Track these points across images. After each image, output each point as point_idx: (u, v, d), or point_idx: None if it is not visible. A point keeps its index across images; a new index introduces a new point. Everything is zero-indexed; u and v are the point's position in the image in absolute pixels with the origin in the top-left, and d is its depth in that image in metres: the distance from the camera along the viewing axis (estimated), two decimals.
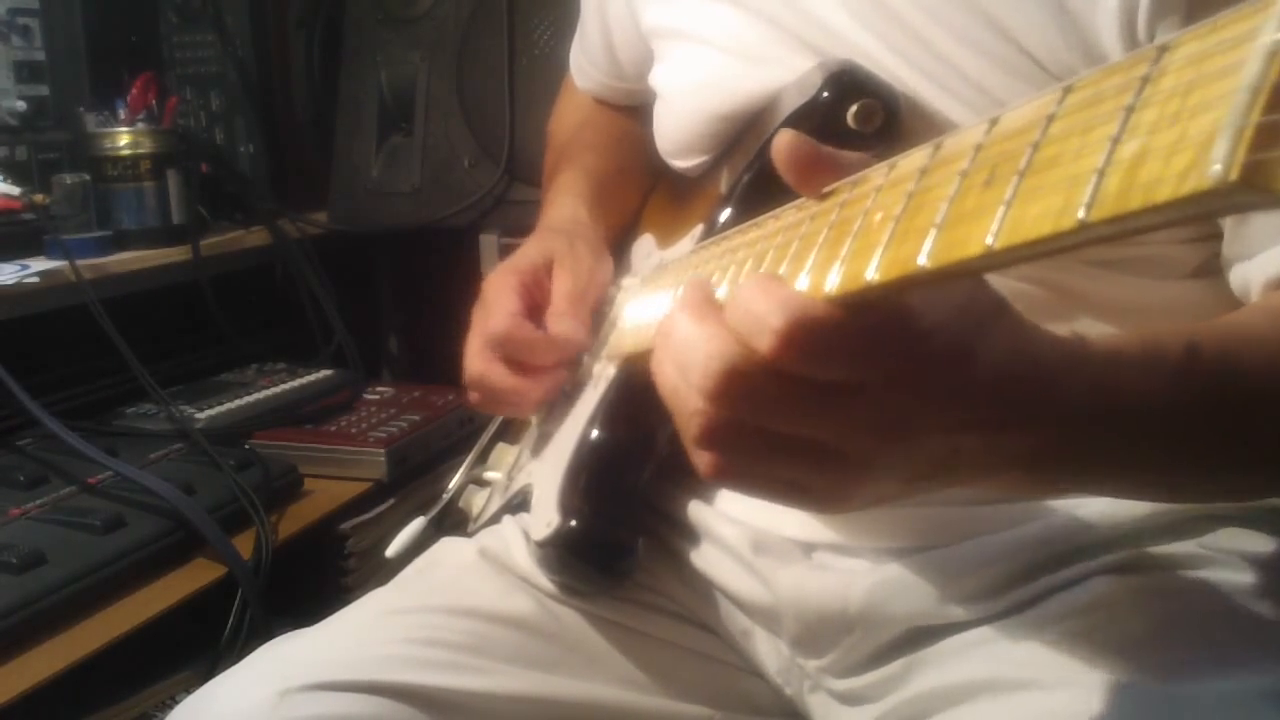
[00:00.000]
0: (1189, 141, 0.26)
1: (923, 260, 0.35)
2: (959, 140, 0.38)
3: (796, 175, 0.46)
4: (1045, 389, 0.45)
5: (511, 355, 0.77)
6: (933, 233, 0.35)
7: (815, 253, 0.43)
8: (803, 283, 0.42)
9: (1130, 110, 0.29)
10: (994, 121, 0.36)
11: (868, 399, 0.41)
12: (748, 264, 0.49)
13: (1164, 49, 0.29)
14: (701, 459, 0.45)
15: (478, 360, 0.78)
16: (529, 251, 0.82)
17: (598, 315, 0.84)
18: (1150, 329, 0.50)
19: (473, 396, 0.80)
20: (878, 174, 0.42)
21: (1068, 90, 0.33)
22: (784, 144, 0.45)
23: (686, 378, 0.43)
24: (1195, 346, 0.48)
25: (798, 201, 0.48)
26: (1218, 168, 0.25)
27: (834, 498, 0.46)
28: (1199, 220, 0.28)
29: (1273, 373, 0.50)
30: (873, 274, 0.37)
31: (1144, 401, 0.48)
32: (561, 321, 0.77)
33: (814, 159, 0.45)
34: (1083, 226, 0.29)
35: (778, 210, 0.50)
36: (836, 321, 0.39)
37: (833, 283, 0.40)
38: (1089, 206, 0.28)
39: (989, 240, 0.32)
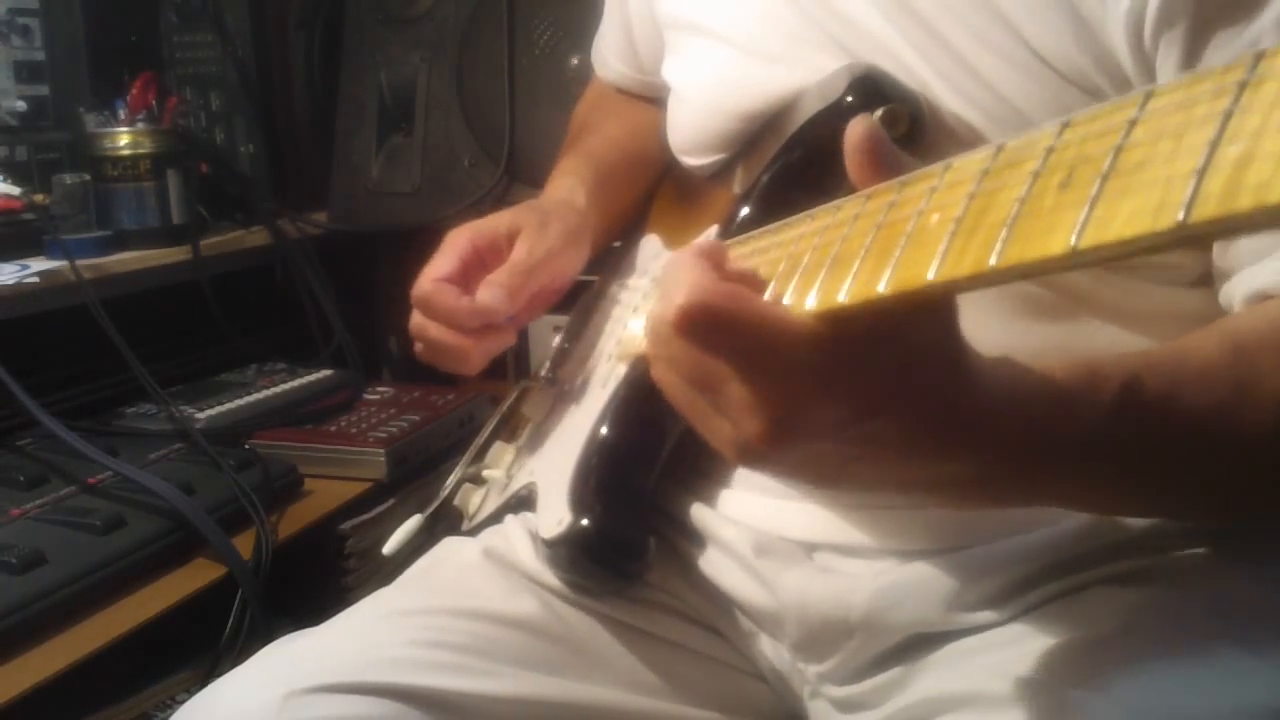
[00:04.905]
0: None
1: (994, 259, 0.34)
2: (1025, 143, 0.36)
3: (863, 164, 0.45)
4: (968, 424, 0.46)
5: (433, 318, 0.79)
6: (1004, 231, 0.34)
7: (862, 254, 0.41)
8: (847, 287, 0.41)
9: (1229, 115, 0.28)
10: (1065, 124, 0.35)
11: (751, 389, 0.44)
12: (781, 265, 0.48)
13: (1261, 55, 0.29)
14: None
15: (414, 313, 0.81)
16: (499, 218, 0.83)
17: (601, 314, 0.84)
18: (1093, 361, 0.51)
19: (416, 346, 0.82)
20: (931, 176, 0.41)
21: (1149, 95, 0.32)
22: (862, 130, 0.45)
23: None
24: (1135, 383, 0.50)
25: (835, 203, 0.47)
26: None
27: (733, 448, 0.49)
28: None
29: (1219, 406, 0.52)
30: (933, 274, 0.36)
31: (1076, 434, 0.49)
32: (487, 289, 0.78)
33: (884, 152, 0.45)
34: (1182, 226, 0.28)
35: (813, 210, 0.49)
36: (732, 319, 0.43)
37: (884, 285, 0.39)
38: (1190, 206, 0.28)
39: (1073, 239, 0.31)
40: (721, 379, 0.45)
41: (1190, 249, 0.31)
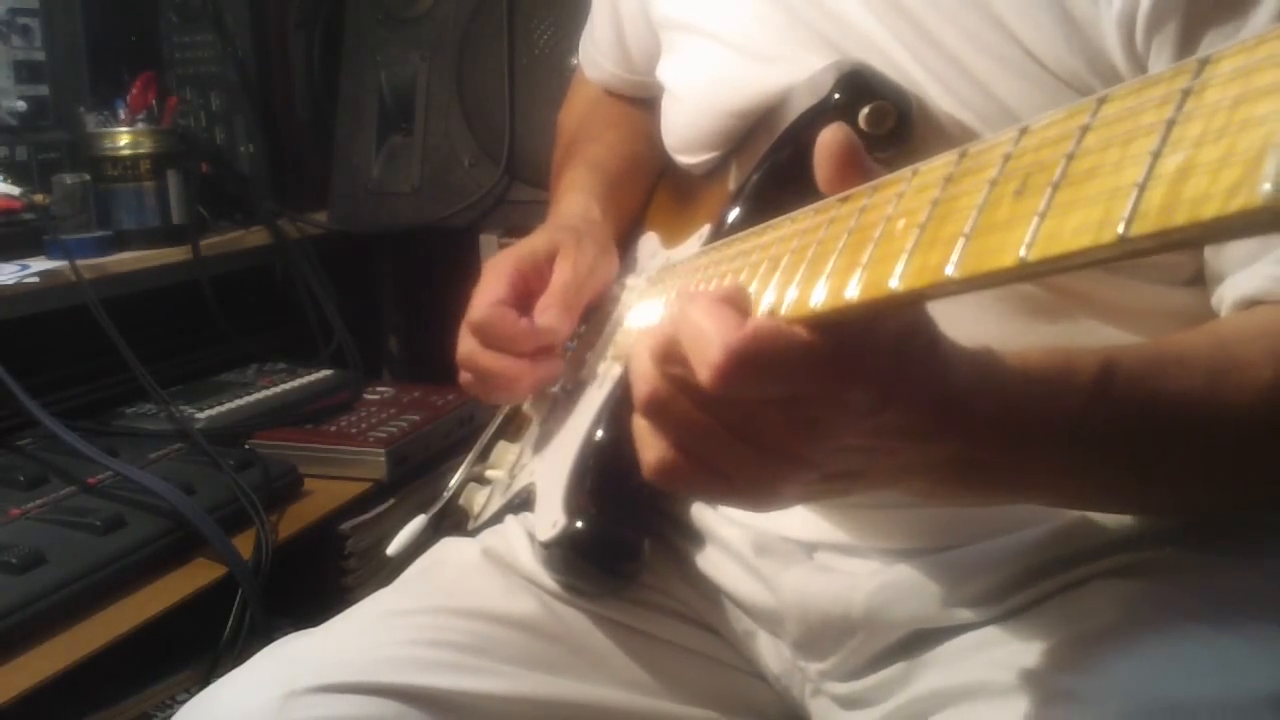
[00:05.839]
0: (1237, 157, 0.25)
1: (950, 270, 0.34)
2: (986, 149, 0.37)
3: (832, 172, 0.45)
4: (955, 405, 0.47)
5: (490, 344, 0.78)
6: (961, 242, 0.34)
7: (834, 258, 0.42)
8: (820, 291, 0.41)
9: (1172, 124, 0.28)
10: (1023, 131, 0.35)
11: (790, 408, 0.44)
12: (762, 267, 0.49)
13: (1205, 62, 0.29)
14: (645, 439, 0.49)
15: (465, 342, 0.80)
16: (535, 240, 0.83)
17: (601, 314, 0.84)
18: (1071, 348, 0.52)
19: (462, 377, 0.81)
20: (900, 180, 0.41)
21: (1102, 101, 0.32)
22: (833, 138, 0.45)
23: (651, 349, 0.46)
24: (1111, 368, 0.50)
25: (814, 205, 0.47)
26: (1267, 186, 0.24)
27: (756, 494, 0.49)
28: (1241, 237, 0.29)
29: (1196, 395, 0.52)
30: (896, 282, 0.37)
31: (1054, 417, 0.50)
32: (547, 313, 0.78)
33: (855, 159, 0.45)
34: (1122, 241, 0.28)
35: (793, 213, 0.49)
36: (773, 353, 0.42)
37: (853, 291, 0.39)
38: (1129, 221, 0.28)
39: (1022, 252, 0.31)
40: (762, 410, 0.45)
41: (1145, 257, 0.31)
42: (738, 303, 0.44)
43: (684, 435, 0.47)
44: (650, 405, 0.47)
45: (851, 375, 0.44)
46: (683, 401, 0.46)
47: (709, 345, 0.42)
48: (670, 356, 0.45)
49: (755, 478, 0.47)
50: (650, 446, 0.48)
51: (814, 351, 0.42)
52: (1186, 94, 0.28)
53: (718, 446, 0.46)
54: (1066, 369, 0.50)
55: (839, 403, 0.44)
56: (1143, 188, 0.28)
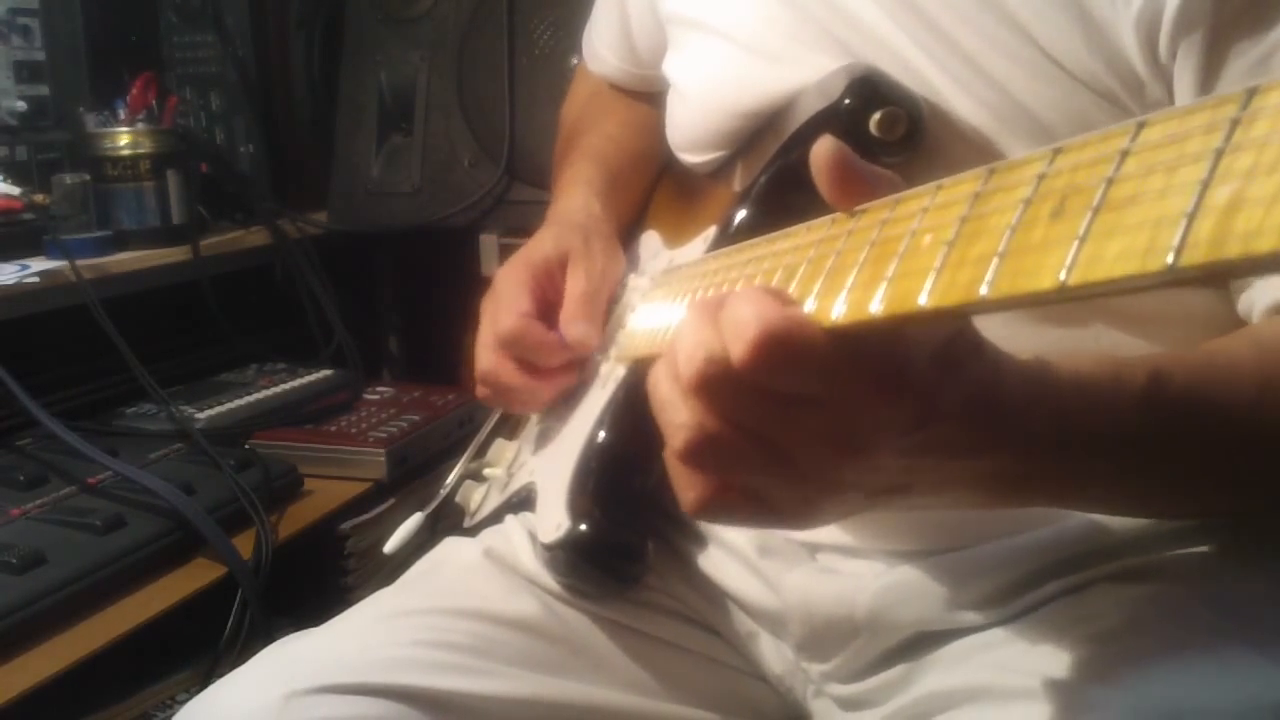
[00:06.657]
0: None
1: (984, 290, 0.34)
2: (1017, 168, 0.36)
3: (832, 186, 0.45)
4: (1007, 419, 0.46)
5: (521, 356, 0.77)
6: (995, 261, 0.34)
7: (855, 271, 0.41)
8: (840, 304, 0.41)
9: (1220, 154, 0.28)
10: (1057, 151, 0.35)
11: (826, 413, 0.43)
12: (777, 275, 0.48)
13: (1254, 92, 0.28)
14: (683, 478, 0.47)
15: (488, 356, 0.79)
16: (543, 245, 0.82)
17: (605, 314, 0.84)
18: (1118, 357, 0.51)
19: (480, 391, 0.81)
20: (924, 194, 0.41)
21: (1141, 125, 0.32)
22: (824, 152, 0.44)
23: (673, 367, 0.45)
24: (1161, 375, 0.50)
25: (831, 216, 0.46)
26: None
27: (798, 513, 0.47)
28: None
29: (1245, 402, 0.52)
30: (924, 299, 0.36)
31: (1106, 429, 0.49)
32: (575, 325, 0.77)
33: (853, 171, 0.44)
34: (1170, 270, 0.28)
35: (809, 223, 0.48)
36: (809, 342, 0.41)
37: (876, 305, 0.38)
38: (1178, 250, 0.27)
39: (1062, 275, 0.31)
40: (791, 406, 0.43)
41: (1182, 287, 0.31)
42: (779, 295, 0.43)
43: (723, 467, 0.46)
44: (693, 445, 0.45)
45: (887, 389, 0.42)
46: (722, 413, 0.44)
47: (746, 324, 0.41)
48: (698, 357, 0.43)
49: (792, 496, 0.46)
50: (689, 475, 0.47)
51: (848, 355, 0.41)
52: (1235, 124, 0.28)
53: (756, 465, 0.45)
54: (1116, 379, 0.50)
55: (876, 418, 0.43)
56: (1191, 218, 0.27)
